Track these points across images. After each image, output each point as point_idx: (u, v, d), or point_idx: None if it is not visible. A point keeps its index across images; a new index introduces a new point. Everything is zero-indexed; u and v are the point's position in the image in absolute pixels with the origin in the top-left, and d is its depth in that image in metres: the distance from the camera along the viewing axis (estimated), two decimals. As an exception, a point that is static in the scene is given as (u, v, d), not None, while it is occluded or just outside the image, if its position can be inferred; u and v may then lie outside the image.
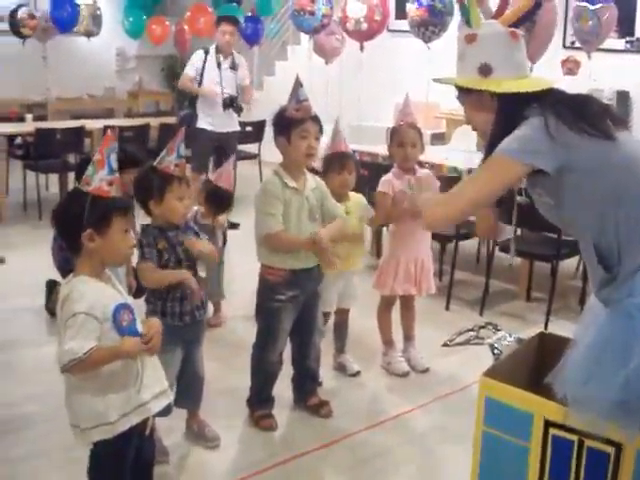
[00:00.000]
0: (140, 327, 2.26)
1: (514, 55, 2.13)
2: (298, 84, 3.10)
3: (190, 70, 6.84)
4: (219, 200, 4.24)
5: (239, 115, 6.94)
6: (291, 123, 3.08)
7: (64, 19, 8.92)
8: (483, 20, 2.18)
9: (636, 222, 1.98)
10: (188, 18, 9.18)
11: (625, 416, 1.90)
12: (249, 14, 8.73)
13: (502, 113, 2.10)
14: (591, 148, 1.97)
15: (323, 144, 3.48)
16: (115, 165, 2.22)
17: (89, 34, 9.39)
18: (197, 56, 6.86)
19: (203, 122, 6.81)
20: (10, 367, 3.89)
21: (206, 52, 6.83)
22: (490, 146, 2.09)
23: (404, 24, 7.28)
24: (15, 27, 9.23)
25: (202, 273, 3.04)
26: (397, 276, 3.83)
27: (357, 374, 3.88)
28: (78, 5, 9.01)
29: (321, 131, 3.16)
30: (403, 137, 3.77)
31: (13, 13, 9.24)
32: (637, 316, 1.92)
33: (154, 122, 8.22)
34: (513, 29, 2.13)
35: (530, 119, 2.02)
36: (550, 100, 2.05)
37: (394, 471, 3.07)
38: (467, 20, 2.16)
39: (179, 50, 10.28)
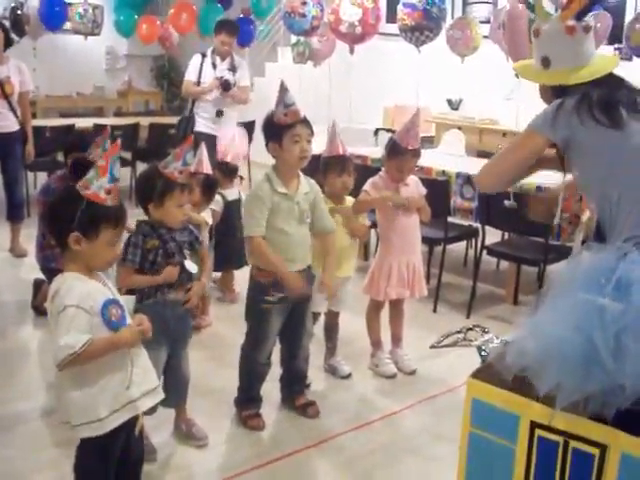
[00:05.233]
0: (129, 321, 2.28)
1: (571, 48, 2.31)
2: (284, 89, 3.08)
3: (191, 75, 6.80)
4: (210, 186, 4.33)
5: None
6: (282, 128, 3.08)
7: (52, 17, 8.81)
8: (550, 14, 2.40)
9: (625, 205, 2.13)
10: (171, 16, 9.19)
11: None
12: (241, 15, 8.73)
13: (554, 98, 2.34)
14: (593, 132, 2.17)
15: (319, 146, 3.48)
16: (117, 174, 2.23)
17: (88, 33, 9.35)
18: (195, 60, 6.83)
19: (202, 126, 6.76)
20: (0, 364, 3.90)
21: (203, 55, 6.81)
22: None
23: (394, 28, 7.30)
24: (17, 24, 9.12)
25: (193, 268, 3.03)
26: (390, 280, 3.84)
27: (348, 376, 3.90)
28: (68, 4, 8.95)
29: (312, 133, 3.17)
30: (404, 165, 3.75)
31: (14, 10, 9.15)
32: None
33: (144, 121, 8.21)
34: (570, 23, 2.29)
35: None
36: (584, 88, 2.24)
37: (381, 472, 3.09)
38: (535, 14, 2.34)
39: (165, 48, 10.27)
